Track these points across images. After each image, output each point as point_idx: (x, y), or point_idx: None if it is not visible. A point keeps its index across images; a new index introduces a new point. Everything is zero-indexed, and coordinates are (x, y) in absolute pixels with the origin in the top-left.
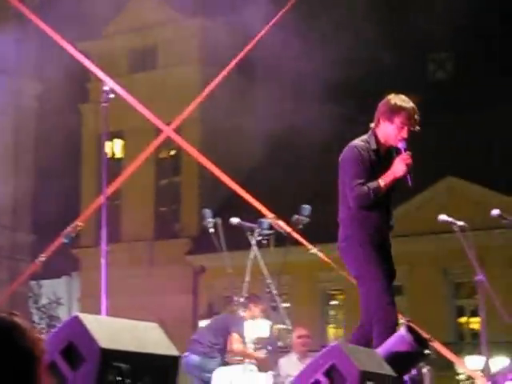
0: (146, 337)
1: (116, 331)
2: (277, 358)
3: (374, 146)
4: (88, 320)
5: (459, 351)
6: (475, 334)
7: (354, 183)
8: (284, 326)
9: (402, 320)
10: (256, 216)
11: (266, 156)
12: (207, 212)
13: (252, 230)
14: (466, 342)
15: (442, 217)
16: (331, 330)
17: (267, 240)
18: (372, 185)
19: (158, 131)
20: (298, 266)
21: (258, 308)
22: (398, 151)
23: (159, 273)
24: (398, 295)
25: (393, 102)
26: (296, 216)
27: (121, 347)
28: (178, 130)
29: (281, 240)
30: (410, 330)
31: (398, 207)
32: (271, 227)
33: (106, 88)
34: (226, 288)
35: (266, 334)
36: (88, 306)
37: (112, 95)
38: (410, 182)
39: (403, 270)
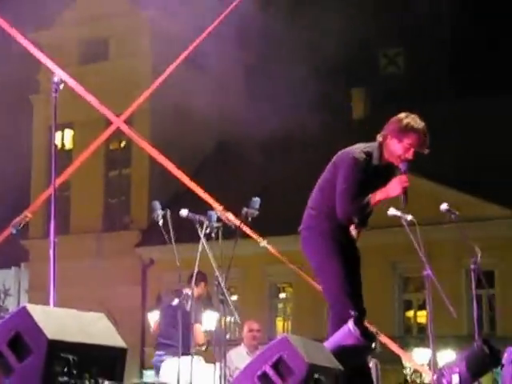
0: (93, 328)
1: (63, 322)
2: (225, 350)
3: (376, 161)
4: (36, 311)
5: (406, 345)
6: (422, 328)
7: (344, 196)
8: (232, 319)
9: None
10: (206, 209)
11: (216, 149)
12: (156, 204)
13: (201, 223)
14: (412, 336)
15: (391, 211)
16: (279, 323)
17: (216, 233)
18: (363, 201)
19: (109, 123)
20: (247, 259)
21: (204, 286)
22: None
23: (108, 265)
24: None
25: (405, 121)
26: (245, 209)
27: (68, 338)
28: (128, 122)
29: (230, 233)
30: (357, 323)
31: None
32: (220, 220)
33: (56, 79)
34: (175, 280)
35: (212, 326)
36: (36, 298)
37: (62, 86)
38: (404, 203)
39: None
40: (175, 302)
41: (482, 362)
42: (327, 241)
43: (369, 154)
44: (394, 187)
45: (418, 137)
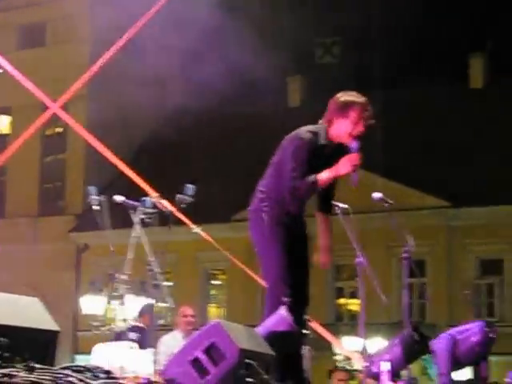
0: (26, 311)
1: None
2: (158, 335)
3: (323, 141)
4: None
5: (337, 332)
6: (353, 316)
7: (293, 175)
8: (166, 305)
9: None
10: (141, 195)
11: (152, 136)
12: (92, 189)
13: (135, 209)
14: (344, 323)
15: None
16: (212, 310)
17: (150, 219)
18: (310, 179)
19: (45, 108)
20: (181, 245)
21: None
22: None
23: (42, 249)
24: None
25: (344, 98)
26: (178, 195)
27: (0, 321)
28: (64, 108)
29: (165, 219)
30: (289, 310)
31: None
32: (155, 206)
33: None
34: (109, 265)
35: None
36: None
37: (0, 70)
38: (355, 182)
39: None
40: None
41: (412, 349)
42: (273, 226)
43: (315, 134)
44: (344, 165)
45: (361, 108)
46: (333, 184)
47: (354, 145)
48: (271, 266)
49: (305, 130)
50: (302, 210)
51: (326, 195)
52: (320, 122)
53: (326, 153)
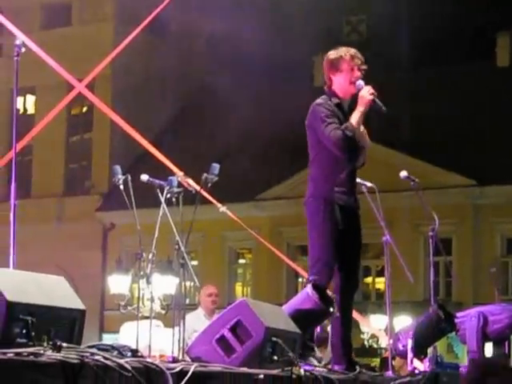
0: (52, 290)
1: (23, 284)
2: (184, 314)
3: (335, 100)
4: None
5: (364, 310)
6: (380, 294)
7: (327, 132)
8: (192, 284)
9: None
10: (166, 174)
11: (177, 114)
12: (117, 168)
13: (161, 188)
14: (371, 302)
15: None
16: (239, 288)
17: (176, 198)
18: (343, 125)
19: (70, 87)
20: (207, 224)
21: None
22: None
23: (69, 229)
24: (305, 255)
25: (331, 55)
26: (205, 175)
27: (27, 300)
28: (90, 87)
29: (190, 198)
30: (315, 288)
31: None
32: (180, 185)
33: (17, 42)
34: (135, 245)
35: (172, 291)
36: None
37: (24, 49)
38: (382, 108)
39: None
40: None
41: (438, 327)
42: (323, 205)
43: (326, 98)
44: (363, 99)
45: (350, 57)
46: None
47: (359, 84)
48: (317, 245)
49: (315, 101)
50: (353, 185)
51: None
52: (324, 88)
53: (344, 109)
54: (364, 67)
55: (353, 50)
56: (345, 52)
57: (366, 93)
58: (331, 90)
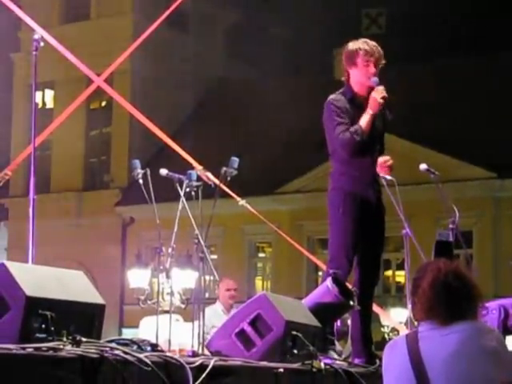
0: (71, 285)
1: (42, 279)
2: (204, 308)
3: (349, 95)
4: (14, 267)
5: (384, 304)
6: (401, 287)
7: (336, 133)
8: (212, 278)
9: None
10: (186, 168)
11: (196, 108)
12: (136, 163)
13: (180, 182)
14: (391, 295)
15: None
16: (259, 282)
17: (195, 192)
18: (353, 128)
19: (89, 82)
20: (227, 218)
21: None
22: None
23: (88, 223)
24: (325, 249)
25: (349, 47)
26: (224, 168)
27: (46, 295)
28: (109, 81)
29: (210, 192)
30: (335, 281)
31: (326, 162)
32: (200, 179)
33: (36, 36)
34: (155, 239)
35: (192, 285)
36: (15, 256)
37: (42, 44)
38: (388, 116)
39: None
40: None
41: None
42: (343, 200)
43: (341, 93)
44: (374, 101)
45: (365, 51)
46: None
47: (372, 82)
48: (332, 239)
49: (330, 97)
50: (373, 177)
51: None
52: (342, 79)
53: (359, 104)
54: (382, 62)
55: (371, 43)
56: (361, 45)
57: (378, 95)
58: (348, 83)
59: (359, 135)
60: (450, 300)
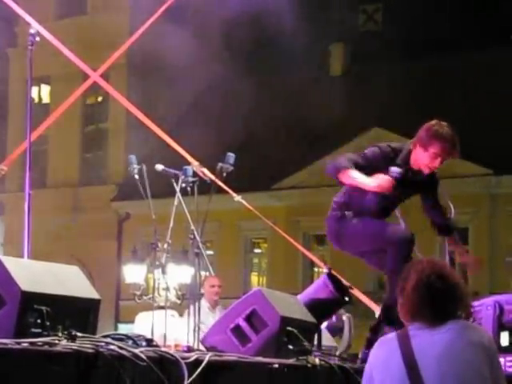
0: (67, 280)
1: (37, 274)
2: (199, 304)
3: (399, 161)
4: (9, 262)
5: (379, 300)
6: None
7: (342, 156)
8: (207, 274)
9: (324, 269)
10: (182, 163)
11: (192, 104)
12: (132, 158)
13: (176, 177)
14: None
15: None
16: (254, 278)
17: (191, 187)
18: (349, 164)
19: (86, 77)
20: (222, 213)
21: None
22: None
23: (84, 219)
24: (321, 245)
25: (432, 130)
26: (220, 164)
27: (42, 290)
28: (105, 76)
29: (205, 188)
30: (330, 277)
31: (326, 157)
32: (195, 174)
33: (32, 31)
34: (150, 234)
35: (187, 280)
36: (11, 251)
37: (38, 38)
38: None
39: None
40: None
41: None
42: (337, 217)
43: (395, 150)
44: (374, 182)
45: (442, 146)
46: (436, 205)
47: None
48: (369, 227)
49: (387, 143)
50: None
51: (436, 217)
52: (410, 141)
53: (403, 173)
54: (446, 159)
55: (452, 140)
56: (440, 138)
57: (381, 185)
58: (410, 151)
59: (344, 175)
60: (434, 302)
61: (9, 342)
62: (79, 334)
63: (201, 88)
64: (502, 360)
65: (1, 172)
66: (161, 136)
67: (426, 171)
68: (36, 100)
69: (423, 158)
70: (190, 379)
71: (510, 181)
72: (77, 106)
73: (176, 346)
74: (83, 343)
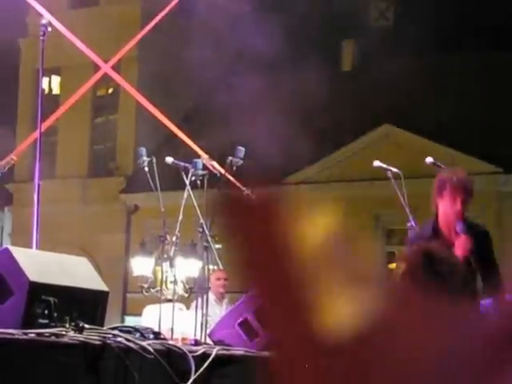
0: (75, 271)
1: (45, 265)
2: (207, 298)
3: (428, 233)
4: (18, 253)
5: None
6: None
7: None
8: (216, 267)
9: None
10: (192, 156)
11: (203, 96)
12: (142, 150)
13: (186, 170)
14: None
15: (377, 163)
16: None
17: (201, 180)
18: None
19: (96, 68)
20: None
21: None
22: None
23: (93, 210)
24: None
25: (439, 177)
26: (230, 158)
27: (50, 281)
28: (116, 68)
29: (215, 181)
30: None
31: (335, 152)
32: (205, 168)
33: (43, 21)
34: (159, 227)
35: (195, 273)
36: (19, 241)
37: (50, 29)
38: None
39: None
40: None
41: None
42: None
43: (424, 227)
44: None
45: (451, 185)
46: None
47: (458, 228)
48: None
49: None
50: None
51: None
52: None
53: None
54: (469, 199)
55: (461, 176)
56: (451, 176)
57: (461, 248)
58: (436, 214)
59: None
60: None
61: (16, 333)
62: (87, 326)
63: (212, 80)
64: None
65: (10, 162)
66: (171, 128)
67: (454, 221)
68: (46, 91)
69: (445, 207)
70: (198, 372)
71: None
72: (87, 97)
73: (183, 339)
74: (90, 335)
